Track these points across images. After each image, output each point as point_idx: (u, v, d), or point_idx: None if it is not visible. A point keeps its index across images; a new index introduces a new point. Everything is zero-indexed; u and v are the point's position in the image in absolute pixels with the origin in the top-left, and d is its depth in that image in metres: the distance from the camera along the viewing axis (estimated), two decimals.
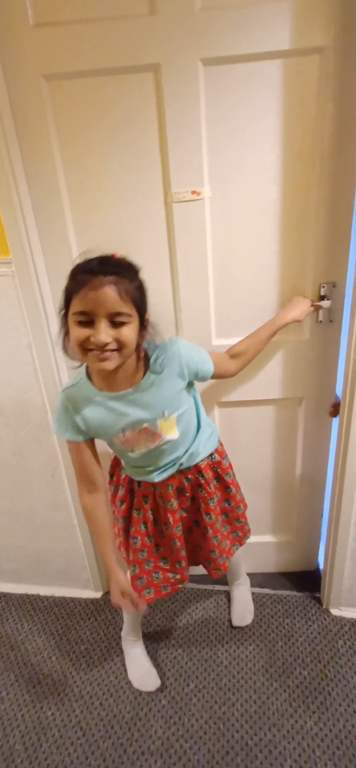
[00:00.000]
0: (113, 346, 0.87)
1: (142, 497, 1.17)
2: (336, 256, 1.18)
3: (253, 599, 1.62)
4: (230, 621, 1.57)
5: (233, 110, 1.07)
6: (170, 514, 1.16)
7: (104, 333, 0.85)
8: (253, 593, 1.65)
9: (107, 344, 0.86)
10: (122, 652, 1.50)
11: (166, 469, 1.12)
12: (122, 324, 0.87)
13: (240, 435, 1.46)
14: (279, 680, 1.39)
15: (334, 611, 1.56)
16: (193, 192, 1.12)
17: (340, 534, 1.40)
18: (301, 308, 1.20)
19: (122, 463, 1.18)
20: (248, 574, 1.67)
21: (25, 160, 1.10)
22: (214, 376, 1.10)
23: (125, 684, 1.42)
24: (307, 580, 1.67)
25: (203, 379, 1.08)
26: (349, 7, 0.96)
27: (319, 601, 1.60)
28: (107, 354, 0.88)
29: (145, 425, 1.02)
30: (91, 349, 0.88)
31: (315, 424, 1.42)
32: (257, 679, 1.40)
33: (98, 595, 1.71)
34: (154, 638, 1.53)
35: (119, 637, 1.54)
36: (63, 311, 0.90)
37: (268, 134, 1.08)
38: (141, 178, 1.12)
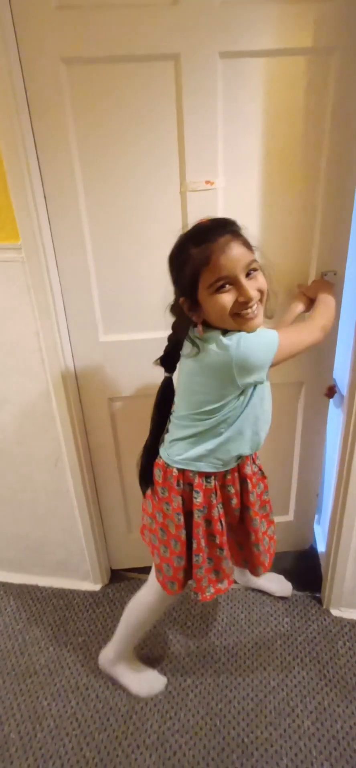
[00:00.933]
0: (257, 297, 0.89)
1: (227, 487, 1.10)
2: (337, 246, 1.23)
3: (252, 597, 1.62)
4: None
5: (248, 104, 1.09)
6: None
7: (251, 287, 0.87)
8: (252, 590, 1.64)
9: (253, 299, 0.88)
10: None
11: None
12: (255, 272, 0.89)
13: None
14: (277, 679, 1.38)
15: (334, 612, 1.55)
16: (207, 182, 1.14)
17: (343, 535, 1.40)
18: (305, 300, 1.22)
19: (243, 436, 1.04)
20: None
21: (38, 146, 1.10)
22: None
23: None
24: (308, 580, 1.66)
25: None
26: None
27: (319, 601, 1.60)
28: (255, 309, 0.89)
29: None
30: (237, 314, 0.88)
31: (314, 408, 1.48)
32: (255, 677, 1.39)
33: (97, 587, 1.70)
34: (152, 634, 1.52)
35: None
36: (186, 293, 0.91)
37: (280, 128, 1.12)
38: (157, 167, 1.14)
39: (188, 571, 1.13)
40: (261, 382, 0.96)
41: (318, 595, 1.62)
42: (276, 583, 1.62)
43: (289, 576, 1.68)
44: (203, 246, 0.86)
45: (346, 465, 1.31)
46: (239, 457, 1.07)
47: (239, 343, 0.89)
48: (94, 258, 1.23)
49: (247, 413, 1.00)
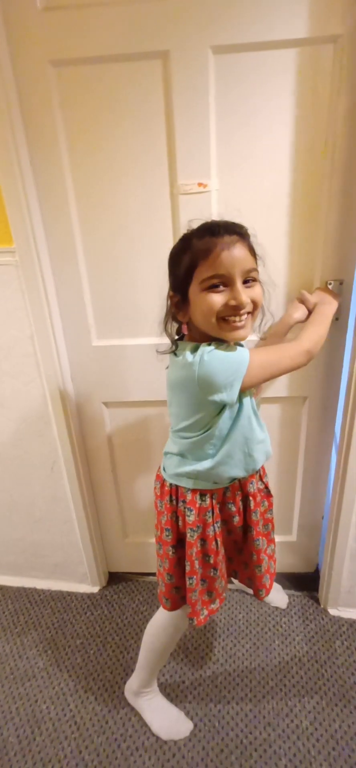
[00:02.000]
0: (249, 308, 0.84)
1: (227, 505, 1.05)
2: (344, 253, 1.16)
3: (250, 597, 1.62)
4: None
5: (243, 101, 1.04)
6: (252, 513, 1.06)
7: (244, 293, 0.82)
8: (250, 591, 1.64)
9: (245, 306, 0.83)
10: (118, 648, 1.50)
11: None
12: (254, 281, 0.85)
13: None
14: (276, 679, 1.39)
15: (332, 611, 1.55)
16: (200, 184, 1.10)
17: (340, 535, 1.40)
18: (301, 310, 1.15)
19: (233, 458, 0.97)
20: None
21: (30, 149, 1.10)
22: None
23: (121, 679, 1.42)
24: (305, 580, 1.67)
25: None
26: None
27: (317, 600, 1.60)
28: (244, 319, 0.84)
29: None
30: (224, 318, 0.84)
31: (319, 424, 1.40)
32: (254, 677, 1.39)
33: (95, 589, 1.70)
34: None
35: (116, 632, 1.54)
36: (178, 286, 0.87)
37: (278, 126, 1.06)
38: (148, 169, 1.11)
39: (182, 592, 1.08)
40: (230, 404, 0.88)
41: (315, 594, 1.62)
42: (274, 593, 1.59)
43: (286, 576, 1.69)
44: (206, 238, 0.83)
45: (342, 465, 1.31)
46: (234, 479, 1.01)
47: (202, 357, 0.83)
48: (86, 261, 1.22)
49: (235, 435, 0.94)
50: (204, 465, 0.96)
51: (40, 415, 1.38)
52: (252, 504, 1.04)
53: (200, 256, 0.82)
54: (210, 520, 1.01)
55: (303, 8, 0.95)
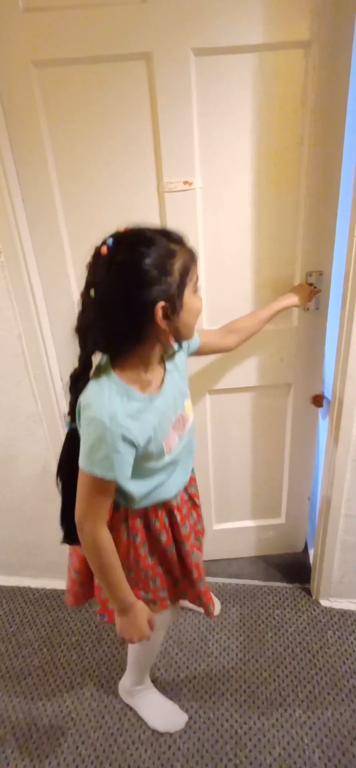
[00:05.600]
0: None
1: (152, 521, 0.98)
2: (322, 245, 1.21)
3: (243, 590, 1.64)
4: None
5: (224, 102, 1.07)
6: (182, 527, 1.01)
7: None
8: (243, 585, 1.66)
9: None
10: (113, 643, 1.51)
11: (185, 468, 1.02)
12: None
13: (231, 421, 1.49)
14: (269, 670, 1.40)
15: (324, 602, 1.57)
16: (185, 182, 1.12)
17: (330, 526, 1.42)
18: (301, 294, 1.22)
19: (136, 498, 0.92)
20: (239, 559, 1.76)
21: (14, 149, 1.09)
22: (205, 348, 1.10)
23: (116, 675, 1.43)
24: (297, 572, 1.69)
25: (192, 350, 1.06)
26: (332, 4, 0.98)
27: (309, 592, 1.62)
28: None
29: (180, 412, 0.94)
30: None
31: (303, 410, 1.46)
32: (247, 669, 1.41)
33: None
34: None
35: (110, 628, 1.55)
36: (171, 294, 0.78)
37: (257, 126, 1.09)
38: (134, 168, 1.12)
39: (89, 591, 1.07)
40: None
41: (307, 586, 1.64)
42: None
43: (279, 568, 1.71)
44: (181, 243, 0.80)
45: (331, 457, 1.33)
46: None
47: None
48: (73, 260, 1.22)
49: None
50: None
51: (30, 415, 1.38)
52: (179, 518, 0.99)
53: (189, 259, 0.80)
54: (125, 529, 0.96)
55: (277, 15, 0.99)
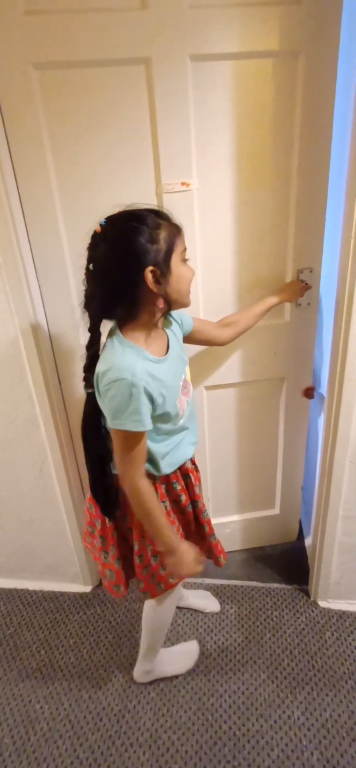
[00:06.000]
0: None
1: (173, 484, 1.09)
2: (312, 243, 1.27)
3: (242, 592, 1.64)
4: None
5: (219, 106, 1.11)
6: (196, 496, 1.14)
7: None
8: (241, 586, 1.66)
9: None
10: (111, 646, 1.51)
11: (194, 431, 1.12)
12: None
13: (227, 416, 1.54)
14: (267, 671, 1.40)
15: (322, 603, 1.57)
16: (182, 183, 1.15)
17: (328, 527, 1.42)
18: (293, 290, 1.29)
19: (160, 462, 1.03)
20: (237, 551, 1.81)
21: (12, 150, 1.09)
22: (198, 333, 1.16)
23: (114, 677, 1.43)
24: (295, 573, 1.69)
25: (186, 330, 1.12)
26: (320, 16, 1.04)
27: (307, 593, 1.62)
28: None
29: (183, 377, 1.03)
30: None
31: (295, 402, 1.52)
32: (246, 670, 1.41)
33: (88, 589, 1.71)
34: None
35: (108, 630, 1.55)
36: (160, 260, 0.86)
37: (252, 129, 1.14)
38: (133, 170, 1.14)
39: (131, 572, 1.13)
40: None
41: (305, 587, 1.64)
42: (205, 600, 1.62)
43: (277, 569, 1.71)
44: (167, 219, 0.89)
45: (328, 459, 1.33)
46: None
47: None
48: (71, 261, 1.22)
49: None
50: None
51: (28, 417, 1.38)
52: (193, 478, 1.12)
53: (174, 232, 0.88)
54: None
55: (269, 25, 1.05)
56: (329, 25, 1.04)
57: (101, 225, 0.86)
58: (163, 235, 0.86)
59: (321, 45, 1.06)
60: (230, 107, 1.11)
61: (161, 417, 0.95)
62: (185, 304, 0.96)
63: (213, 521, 1.66)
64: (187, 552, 1.01)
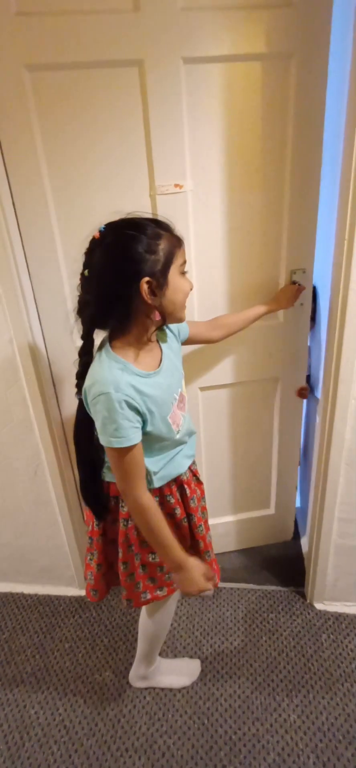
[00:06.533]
0: None
1: (166, 497, 1.07)
2: (304, 245, 1.28)
3: (238, 594, 1.63)
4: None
5: (212, 108, 1.11)
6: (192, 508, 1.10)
7: None
8: (238, 588, 1.65)
9: None
10: (107, 650, 1.50)
11: (191, 444, 1.11)
12: None
13: (222, 417, 1.54)
14: (263, 674, 1.40)
15: (318, 605, 1.57)
16: (176, 185, 1.15)
17: (324, 529, 1.41)
18: (287, 297, 1.30)
19: (152, 477, 1.01)
20: (233, 553, 1.81)
21: (5, 153, 1.08)
22: (193, 338, 1.16)
23: (109, 681, 1.42)
24: (291, 575, 1.68)
25: (183, 338, 1.12)
26: (310, 19, 1.05)
27: (303, 595, 1.61)
28: None
29: (179, 390, 1.01)
30: None
31: (290, 402, 1.53)
32: (242, 674, 1.40)
33: (83, 592, 1.70)
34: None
35: (104, 634, 1.54)
36: (161, 269, 0.85)
37: (244, 132, 1.14)
38: (126, 173, 1.14)
39: (112, 580, 1.12)
40: None
41: (301, 589, 1.63)
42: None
43: (273, 571, 1.70)
44: (168, 230, 0.87)
45: (324, 461, 1.33)
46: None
47: None
48: (66, 264, 1.22)
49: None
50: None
51: (22, 420, 1.37)
52: (188, 492, 1.09)
53: (175, 243, 0.87)
54: None
55: (261, 28, 1.05)
56: (319, 27, 1.05)
57: (99, 231, 0.85)
58: (162, 246, 0.84)
59: (312, 47, 1.06)
60: (223, 109, 1.11)
61: (152, 433, 0.93)
62: (179, 319, 0.94)
63: (210, 522, 1.68)
64: (195, 568, 0.98)
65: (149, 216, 0.87)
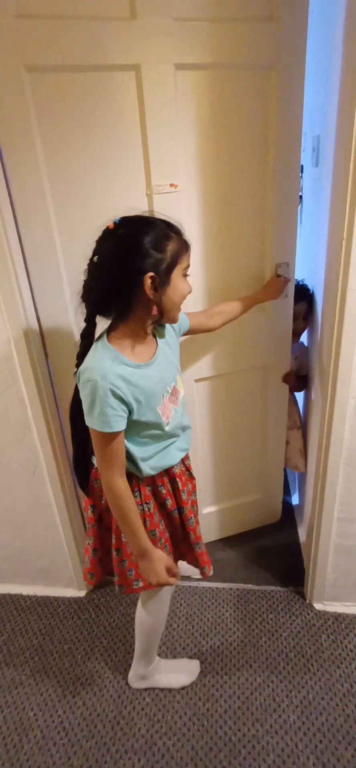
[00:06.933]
0: None
1: (158, 487, 1.11)
2: (287, 239, 1.37)
3: (237, 595, 1.63)
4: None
5: (203, 112, 1.17)
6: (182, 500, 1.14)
7: None
8: (237, 589, 1.65)
9: None
10: (106, 651, 1.49)
11: (186, 438, 1.14)
12: None
13: (216, 407, 1.60)
14: (263, 675, 1.39)
15: (318, 606, 1.57)
16: (171, 185, 1.20)
17: (323, 529, 1.41)
18: (276, 288, 1.39)
19: (141, 464, 1.04)
20: (225, 539, 1.88)
21: (4, 152, 1.08)
22: (194, 328, 1.22)
23: (109, 683, 1.41)
24: (291, 575, 1.68)
25: (184, 330, 1.18)
26: (287, 36, 1.14)
27: (303, 595, 1.61)
28: None
29: (173, 384, 1.05)
30: None
31: (276, 388, 1.62)
32: (242, 674, 1.40)
33: (82, 593, 1.69)
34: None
35: (103, 636, 1.53)
36: (166, 267, 0.90)
37: (231, 135, 1.22)
38: (124, 172, 1.16)
39: (108, 565, 1.15)
40: None
41: (301, 589, 1.63)
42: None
43: (273, 571, 1.70)
44: (178, 233, 0.92)
45: (323, 460, 1.32)
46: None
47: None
48: (64, 261, 1.22)
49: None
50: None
51: (19, 420, 1.36)
52: (180, 484, 1.12)
53: (182, 247, 0.92)
54: (138, 499, 1.07)
55: (245, 40, 1.13)
56: (297, 40, 1.15)
57: (114, 222, 0.89)
58: (170, 246, 0.90)
59: (290, 59, 1.16)
60: (211, 113, 1.18)
61: (141, 422, 0.98)
62: (173, 319, 0.99)
63: (204, 511, 1.75)
64: (160, 560, 1.02)
65: (163, 217, 0.92)
